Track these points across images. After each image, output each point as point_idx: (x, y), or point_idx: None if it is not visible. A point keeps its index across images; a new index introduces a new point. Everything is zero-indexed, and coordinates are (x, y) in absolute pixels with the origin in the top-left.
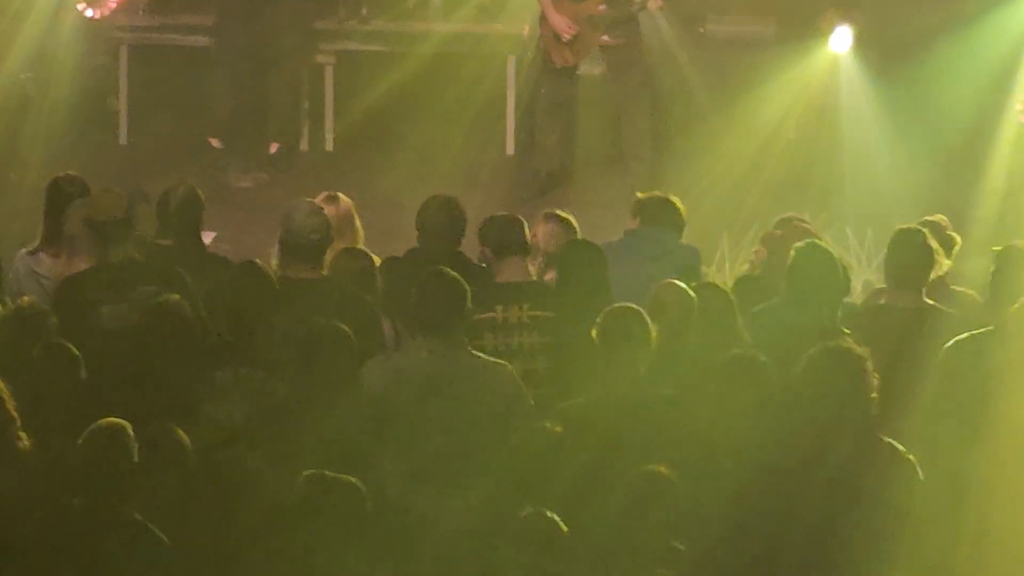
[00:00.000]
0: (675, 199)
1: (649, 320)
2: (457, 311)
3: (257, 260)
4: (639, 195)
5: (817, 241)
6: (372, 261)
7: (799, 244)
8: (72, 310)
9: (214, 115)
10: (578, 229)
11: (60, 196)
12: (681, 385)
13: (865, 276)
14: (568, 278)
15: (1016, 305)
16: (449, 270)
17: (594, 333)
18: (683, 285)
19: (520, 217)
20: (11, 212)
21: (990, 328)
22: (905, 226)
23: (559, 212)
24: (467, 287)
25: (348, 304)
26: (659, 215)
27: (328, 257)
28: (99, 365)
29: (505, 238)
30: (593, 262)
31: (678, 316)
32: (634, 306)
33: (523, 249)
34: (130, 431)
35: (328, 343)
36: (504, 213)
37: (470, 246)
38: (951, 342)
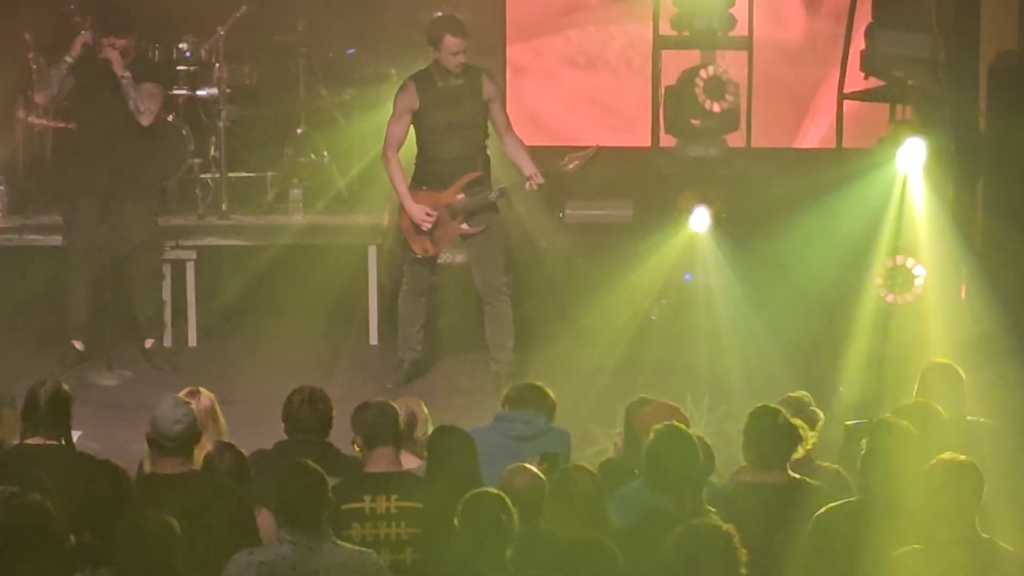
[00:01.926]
0: (543, 385)
1: (511, 504)
2: (318, 503)
3: (111, 459)
4: (509, 385)
5: (675, 424)
6: (242, 455)
7: (657, 427)
8: None
9: (74, 315)
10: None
11: None
12: (544, 570)
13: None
14: (437, 467)
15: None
16: (309, 462)
17: (456, 521)
18: (533, 468)
19: (394, 404)
20: None
21: (861, 497)
22: (761, 406)
23: None
24: (327, 479)
25: (220, 497)
26: (528, 399)
27: (198, 454)
28: None
29: (376, 428)
30: (461, 449)
31: (531, 499)
32: (493, 490)
33: (394, 439)
34: None
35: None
36: (378, 400)
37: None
38: (822, 510)
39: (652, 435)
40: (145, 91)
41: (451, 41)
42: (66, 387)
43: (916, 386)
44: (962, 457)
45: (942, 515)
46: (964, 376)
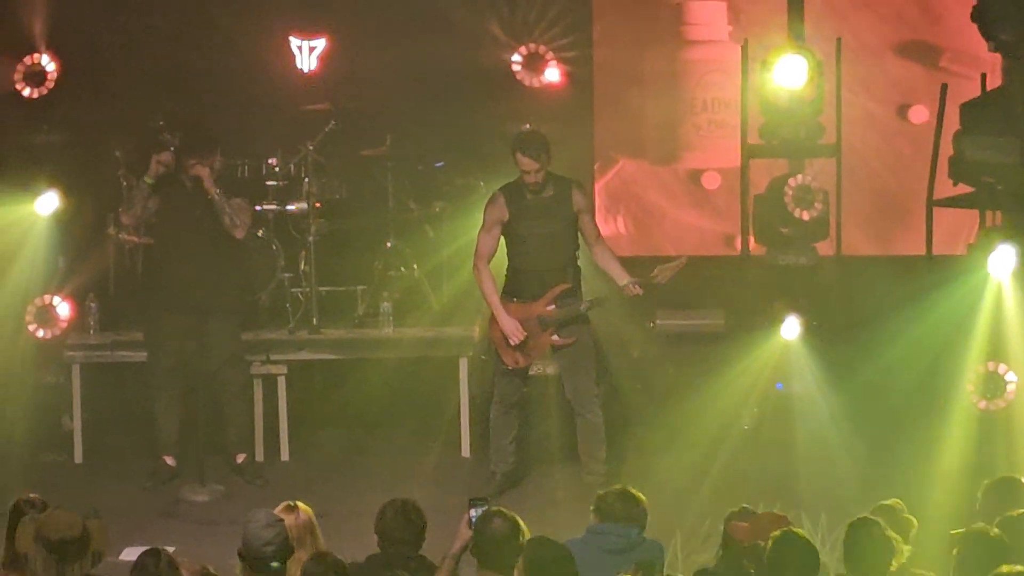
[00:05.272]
0: (636, 492)
1: None
2: None
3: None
4: (600, 491)
5: (793, 529)
6: (341, 564)
7: (776, 533)
8: None
9: (164, 431)
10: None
11: (19, 517)
12: None
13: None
14: None
15: None
16: (403, 574)
17: None
18: None
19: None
20: None
21: None
22: (860, 517)
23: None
24: None
25: None
26: (620, 510)
27: (294, 569)
28: None
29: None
30: (561, 561)
31: None
32: None
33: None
34: None
35: None
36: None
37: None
38: None
39: (771, 541)
40: (237, 205)
41: (522, 160)
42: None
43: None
44: None
45: None
46: None
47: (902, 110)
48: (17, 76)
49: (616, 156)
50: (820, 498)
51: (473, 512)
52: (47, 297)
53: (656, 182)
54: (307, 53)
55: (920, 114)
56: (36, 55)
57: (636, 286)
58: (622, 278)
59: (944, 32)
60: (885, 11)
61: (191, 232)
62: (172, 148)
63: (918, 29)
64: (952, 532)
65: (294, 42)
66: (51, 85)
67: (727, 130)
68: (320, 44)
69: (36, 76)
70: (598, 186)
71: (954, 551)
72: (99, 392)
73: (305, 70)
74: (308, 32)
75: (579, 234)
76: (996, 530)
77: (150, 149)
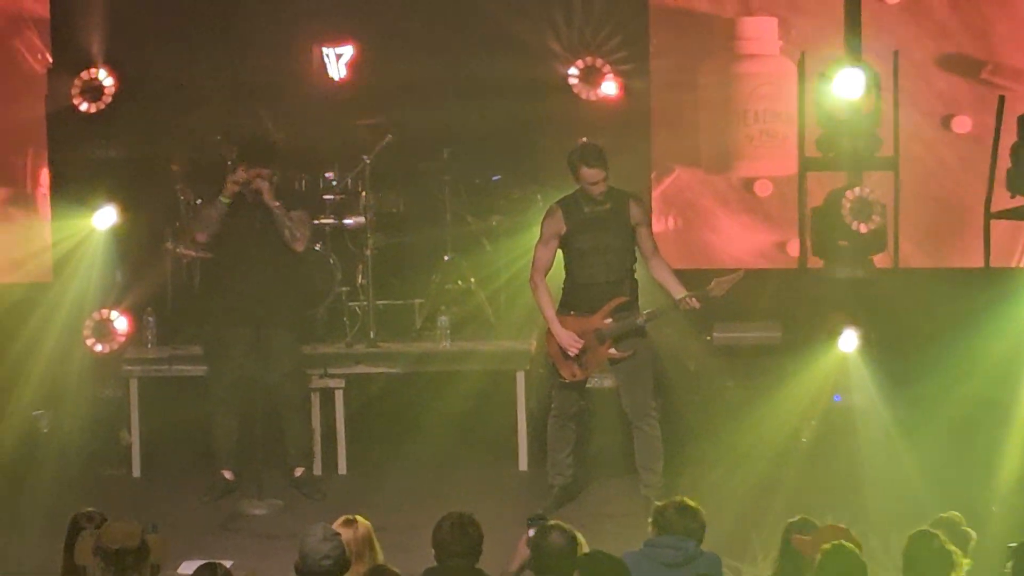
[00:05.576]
0: (693, 504)
1: None
2: None
3: None
4: (658, 504)
5: (844, 543)
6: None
7: (827, 546)
8: None
9: (222, 445)
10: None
11: (77, 531)
12: None
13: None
14: None
15: None
16: None
17: None
18: None
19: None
20: (27, 548)
21: None
22: (920, 530)
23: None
24: None
25: None
26: (678, 523)
27: None
28: None
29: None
30: (618, 574)
31: None
32: None
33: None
34: None
35: None
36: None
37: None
38: None
39: (820, 555)
40: (297, 218)
41: (587, 172)
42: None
43: None
44: None
45: None
46: None
47: (945, 121)
48: (74, 91)
49: (672, 165)
50: (878, 511)
51: (531, 531)
52: (105, 311)
53: (710, 189)
54: (335, 61)
55: (963, 124)
56: (93, 70)
57: (693, 300)
58: (678, 291)
59: (986, 46)
60: (930, 25)
61: (252, 245)
62: (246, 166)
63: (961, 43)
64: (1009, 545)
65: (344, 53)
66: (108, 100)
67: (778, 140)
68: (349, 52)
69: (93, 91)
70: (655, 194)
71: (1008, 564)
72: (157, 406)
73: (349, 81)
74: (342, 41)
75: (636, 247)
76: None
77: (208, 163)
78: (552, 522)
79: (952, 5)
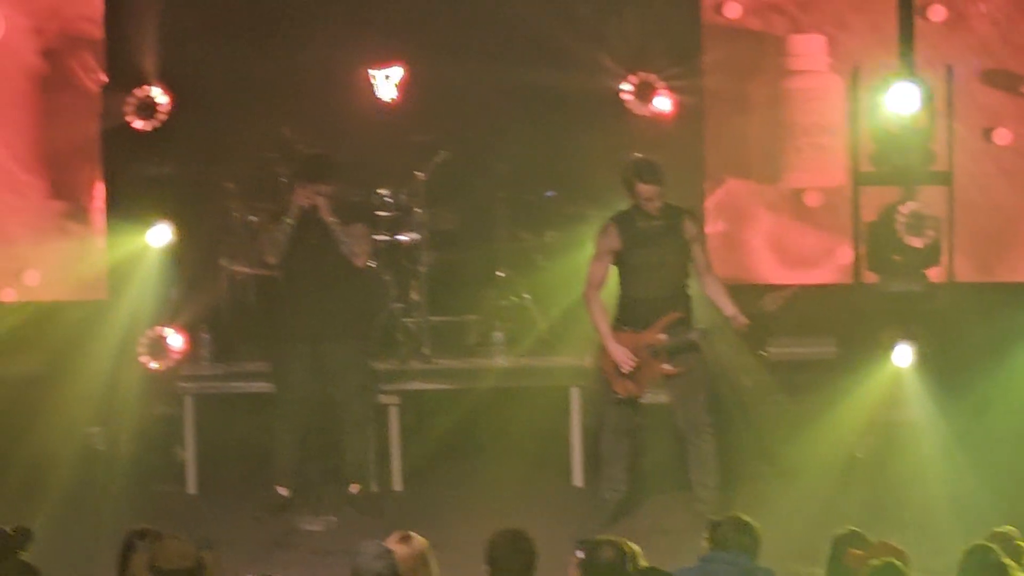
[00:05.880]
0: (749, 519)
1: None
2: None
3: None
4: (713, 519)
5: (893, 561)
6: None
7: (876, 562)
8: None
9: (282, 461)
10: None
11: (132, 548)
12: None
13: None
14: None
15: None
16: None
17: None
18: None
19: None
20: (82, 565)
21: None
22: (976, 544)
23: None
24: None
25: None
26: (732, 538)
27: None
28: None
29: None
30: None
31: None
32: None
33: None
34: None
35: None
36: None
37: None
38: None
39: (868, 570)
40: (356, 233)
41: (643, 188)
42: None
43: None
44: None
45: None
46: None
47: (986, 133)
48: (128, 108)
49: (724, 177)
50: (933, 525)
51: (580, 553)
52: (159, 329)
53: (761, 200)
54: (384, 82)
55: (1003, 136)
56: (147, 87)
57: (741, 317)
58: (729, 308)
59: None
60: (971, 41)
61: (311, 262)
62: (304, 183)
63: (1000, 58)
64: None
65: (392, 74)
66: (163, 117)
67: (826, 152)
68: (398, 73)
69: (147, 108)
70: (707, 204)
71: None
72: (212, 423)
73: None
74: (391, 63)
75: (690, 263)
76: None
77: (263, 180)
78: (604, 538)
79: (993, 22)
